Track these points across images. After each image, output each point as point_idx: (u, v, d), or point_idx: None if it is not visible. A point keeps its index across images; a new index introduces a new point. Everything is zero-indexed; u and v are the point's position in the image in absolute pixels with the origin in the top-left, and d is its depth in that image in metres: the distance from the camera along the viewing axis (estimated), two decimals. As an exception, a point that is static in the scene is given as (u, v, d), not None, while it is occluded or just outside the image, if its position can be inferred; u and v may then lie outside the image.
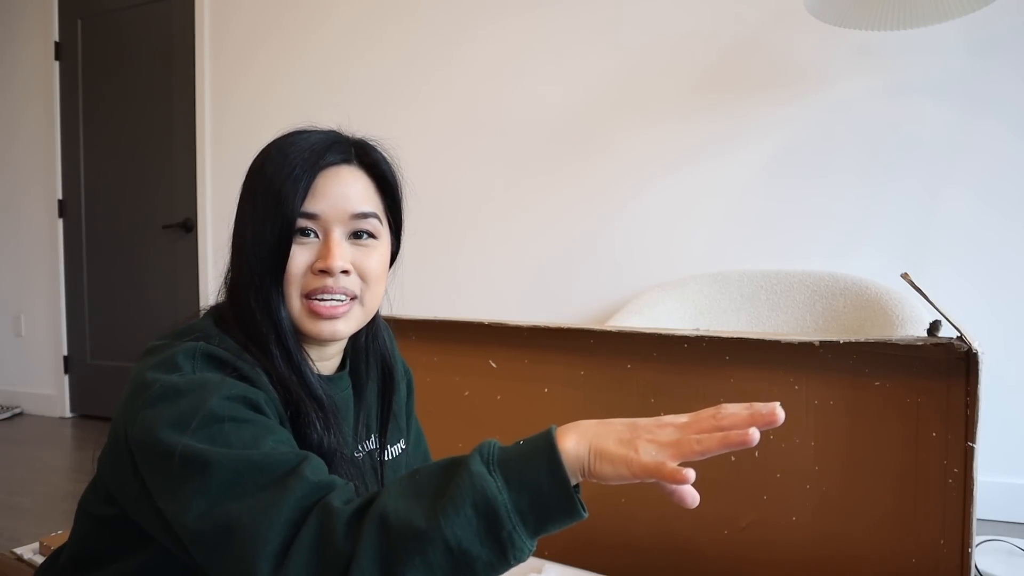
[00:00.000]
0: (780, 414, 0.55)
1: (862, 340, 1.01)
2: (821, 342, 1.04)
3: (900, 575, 1.00)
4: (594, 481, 0.56)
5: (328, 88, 2.79)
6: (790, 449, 1.08)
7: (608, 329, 1.21)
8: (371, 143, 0.79)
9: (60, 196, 3.43)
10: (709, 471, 1.14)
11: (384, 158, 0.79)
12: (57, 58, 3.42)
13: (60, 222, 3.45)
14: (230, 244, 0.76)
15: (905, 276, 0.93)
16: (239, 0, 2.99)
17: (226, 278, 0.77)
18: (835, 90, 2.06)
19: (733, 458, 1.12)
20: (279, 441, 0.63)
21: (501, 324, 1.29)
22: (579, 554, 1.18)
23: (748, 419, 0.55)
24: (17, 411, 3.49)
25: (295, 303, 0.72)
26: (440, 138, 2.59)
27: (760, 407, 0.55)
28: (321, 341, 0.75)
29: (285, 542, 0.55)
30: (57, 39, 3.42)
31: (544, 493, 0.54)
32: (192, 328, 0.72)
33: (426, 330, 1.39)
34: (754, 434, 0.53)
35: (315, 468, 0.60)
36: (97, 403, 3.42)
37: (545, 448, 0.55)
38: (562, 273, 2.41)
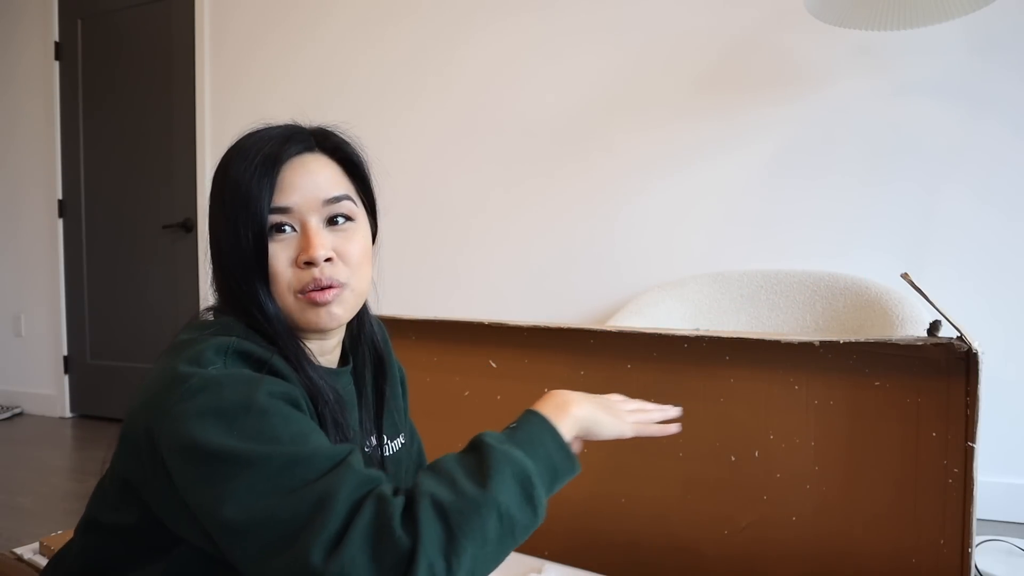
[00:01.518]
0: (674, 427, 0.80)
1: (862, 340, 1.01)
2: (821, 342, 1.04)
3: (900, 575, 1.00)
4: (590, 439, 0.72)
5: (328, 88, 2.79)
6: (790, 449, 1.08)
7: (608, 329, 1.21)
8: (329, 128, 0.78)
9: (60, 196, 3.43)
10: (709, 471, 1.14)
11: (345, 140, 0.78)
12: (57, 58, 3.42)
13: (60, 222, 3.44)
14: (209, 250, 0.74)
15: (905, 276, 0.93)
16: (239, 0, 2.99)
17: (214, 283, 0.76)
18: (835, 90, 2.06)
19: (733, 458, 1.12)
20: (321, 437, 0.63)
21: (501, 324, 1.29)
22: (579, 554, 1.18)
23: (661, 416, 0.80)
24: (17, 411, 3.49)
25: (288, 300, 0.71)
26: (440, 138, 2.59)
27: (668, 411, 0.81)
28: (321, 331, 0.74)
29: (339, 531, 0.55)
30: (57, 39, 3.41)
31: (554, 458, 0.65)
32: (217, 323, 0.70)
33: (426, 330, 1.39)
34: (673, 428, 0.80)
35: (360, 460, 0.61)
36: (97, 403, 3.42)
37: (544, 424, 0.67)
38: (562, 273, 2.41)
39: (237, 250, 0.70)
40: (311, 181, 0.72)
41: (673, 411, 0.81)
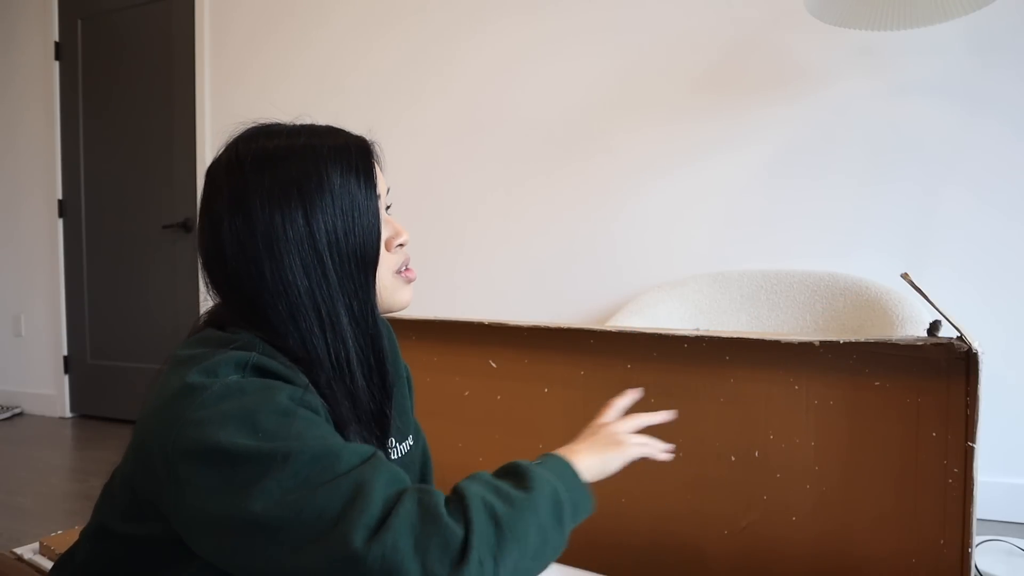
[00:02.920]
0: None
1: (862, 340, 1.01)
2: (821, 342, 1.04)
3: (900, 575, 1.00)
4: (608, 476, 0.74)
5: (328, 88, 2.79)
6: (790, 449, 1.08)
7: (608, 329, 1.21)
8: None
9: (60, 196, 3.43)
10: (709, 471, 1.14)
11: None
12: (57, 58, 3.42)
13: (60, 222, 3.45)
14: (251, 258, 0.68)
15: (905, 276, 0.93)
16: (239, 0, 2.99)
17: (250, 293, 0.69)
18: (835, 90, 2.06)
19: (733, 458, 1.12)
20: (342, 440, 0.63)
21: (501, 324, 1.29)
22: (579, 554, 1.18)
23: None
24: (17, 411, 3.49)
25: (387, 281, 0.76)
26: (440, 138, 2.59)
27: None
28: (400, 310, 0.80)
29: (380, 517, 0.55)
30: (57, 39, 3.41)
31: (576, 492, 0.67)
32: (237, 339, 0.67)
33: (426, 330, 1.39)
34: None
35: (384, 458, 0.62)
36: (97, 403, 3.42)
37: (566, 464, 0.69)
38: (562, 273, 2.41)
39: (343, 243, 0.70)
40: (380, 172, 0.77)
41: (666, 415, 0.83)
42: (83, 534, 0.75)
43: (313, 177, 0.69)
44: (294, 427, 0.59)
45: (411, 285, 0.80)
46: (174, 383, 0.62)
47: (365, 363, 0.72)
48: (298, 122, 0.77)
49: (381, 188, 0.76)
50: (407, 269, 0.79)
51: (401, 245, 0.78)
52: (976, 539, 1.08)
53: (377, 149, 0.80)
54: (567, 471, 0.68)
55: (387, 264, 0.76)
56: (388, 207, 0.80)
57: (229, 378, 0.61)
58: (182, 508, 0.60)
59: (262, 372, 0.64)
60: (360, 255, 0.71)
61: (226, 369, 0.62)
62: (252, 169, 0.70)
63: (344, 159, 0.72)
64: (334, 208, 0.69)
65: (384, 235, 0.75)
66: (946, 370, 0.96)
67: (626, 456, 0.75)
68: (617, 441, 0.75)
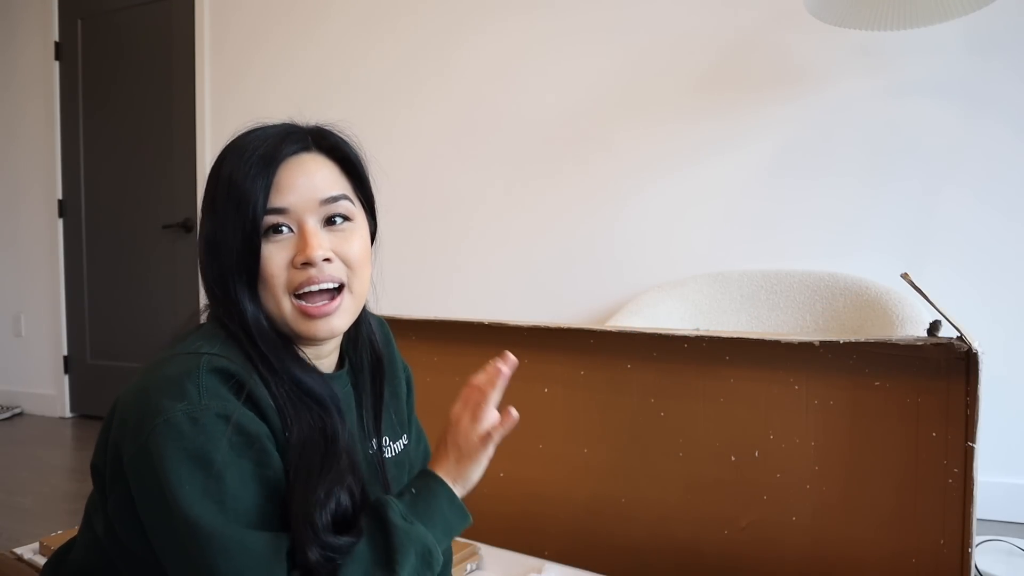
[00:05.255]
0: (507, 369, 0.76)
1: (862, 340, 1.01)
2: (821, 342, 1.04)
3: (900, 575, 1.00)
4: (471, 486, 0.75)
5: (328, 88, 2.79)
6: (790, 449, 1.08)
7: (608, 329, 1.21)
8: (326, 127, 0.77)
9: (60, 196, 3.43)
10: (709, 471, 1.14)
11: (342, 139, 0.77)
12: (57, 58, 3.42)
13: (60, 222, 3.44)
14: (199, 252, 0.73)
15: (905, 276, 0.94)
16: (239, 0, 2.99)
17: (203, 284, 0.74)
18: (835, 90, 2.06)
19: (733, 458, 1.12)
20: (265, 500, 0.64)
21: (501, 324, 1.29)
22: (579, 554, 1.18)
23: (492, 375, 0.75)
24: (17, 411, 3.49)
25: (285, 304, 0.70)
26: (440, 138, 2.59)
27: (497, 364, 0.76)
28: (319, 341, 0.73)
29: None
30: (57, 39, 3.41)
31: (450, 521, 0.71)
32: (199, 334, 0.70)
33: (426, 330, 1.39)
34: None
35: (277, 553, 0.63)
36: (97, 403, 3.41)
37: (442, 488, 0.72)
38: (562, 273, 2.41)
39: (226, 251, 0.69)
40: (308, 181, 0.71)
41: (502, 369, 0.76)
42: (80, 526, 0.77)
43: (214, 184, 0.72)
44: (218, 489, 0.61)
45: (322, 320, 0.70)
46: (140, 395, 0.65)
47: (282, 374, 0.70)
48: (294, 118, 0.77)
49: (290, 200, 0.70)
50: (306, 301, 0.70)
51: (305, 264, 0.69)
52: (976, 539, 1.08)
53: (292, 164, 0.72)
54: (443, 502, 0.71)
55: (282, 284, 0.69)
56: (333, 218, 0.72)
57: (178, 407, 0.62)
58: (127, 503, 0.66)
59: (219, 372, 0.65)
60: (231, 269, 0.69)
61: (189, 385, 0.63)
62: (209, 173, 0.74)
63: (238, 169, 0.69)
64: (217, 218, 0.70)
65: (283, 253, 0.69)
66: (946, 370, 0.96)
67: (484, 466, 0.75)
68: (472, 450, 0.73)
